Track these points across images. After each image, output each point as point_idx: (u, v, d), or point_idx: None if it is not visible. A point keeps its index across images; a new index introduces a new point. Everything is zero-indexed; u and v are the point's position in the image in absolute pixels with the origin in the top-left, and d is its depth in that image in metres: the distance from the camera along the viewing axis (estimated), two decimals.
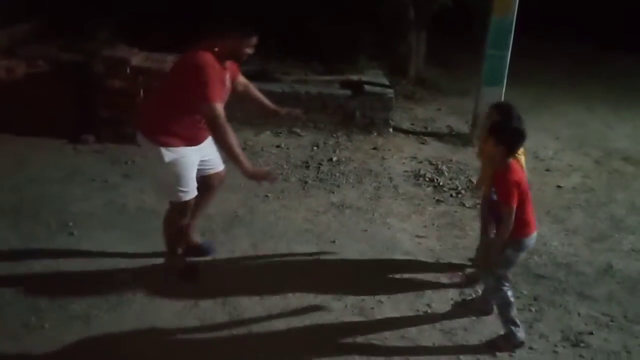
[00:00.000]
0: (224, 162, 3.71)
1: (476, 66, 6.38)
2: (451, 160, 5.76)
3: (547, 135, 6.69)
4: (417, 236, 4.40)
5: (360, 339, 3.25)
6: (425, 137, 6.40)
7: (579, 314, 3.59)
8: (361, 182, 5.26)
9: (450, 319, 3.47)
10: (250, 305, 3.48)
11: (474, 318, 3.49)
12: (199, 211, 3.83)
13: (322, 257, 4.06)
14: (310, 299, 3.58)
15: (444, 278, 3.86)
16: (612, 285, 3.91)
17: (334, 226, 4.46)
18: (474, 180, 5.35)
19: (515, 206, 3.07)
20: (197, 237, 3.98)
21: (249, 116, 6.21)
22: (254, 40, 3.36)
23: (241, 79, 3.73)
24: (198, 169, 3.54)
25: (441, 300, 3.64)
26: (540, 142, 6.44)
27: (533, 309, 3.61)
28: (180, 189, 3.42)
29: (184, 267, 3.73)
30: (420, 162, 5.73)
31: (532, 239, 3.25)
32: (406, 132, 6.52)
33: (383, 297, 3.63)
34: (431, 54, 8.74)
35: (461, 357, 3.17)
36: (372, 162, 5.67)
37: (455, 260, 4.10)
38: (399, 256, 4.11)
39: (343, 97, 6.33)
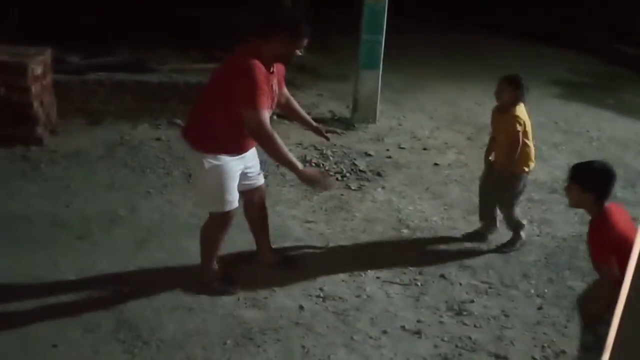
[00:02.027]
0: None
1: (354, 49, 6.51)
2: (335, 145, 5.85)
3: (423, 114, 6.99)
4: (307, 221, 4.44)
5: (255, 331, 3.23)
6: None
7: (460, 284, 3.79)
8: None
9: (342, 301, 3.54)
10: (139, 307, 3.34)
11: (364, 297, 3.58)
12: (262, 231, 3.73)
13: None
14: (201, 294, 3.50)
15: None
16: (488, 254, 4.17)
17: None
18: (358, 163, 5.50)
19: (614, 263, 2.58)
20: (278, 254, 3.87)
21: (124, 108, 5.95)
22: (305, 41, 3.17)
23: (285, 91, 3.52)
24: (241, 183, 3.36)
25: (332, 283, 3.70)
26: (417, 122, 6.73)
27: (419, 283, 3.77)
28: (222, 198, 3.25)
29: (221, 278, 3.56)
30: (306, 148, 5.77)
31: None
32: (290, 119, 6.52)
33: (276, 287, 3.62)
34: (310, 38, 8.81)
35: (354, 336, 3.25)
36: None
37: (343, 242, 4.18)
38: (290, 243, 4.12)
39: None
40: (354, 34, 6.44)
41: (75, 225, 4.10)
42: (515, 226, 4.16)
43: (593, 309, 2.70)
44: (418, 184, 5.19)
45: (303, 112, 3.67)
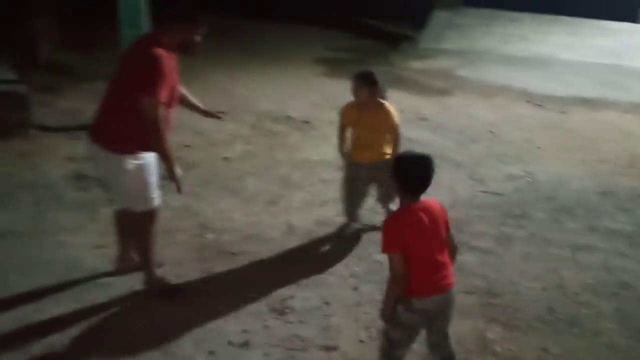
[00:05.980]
0: None
1: (115, 46, 5.97)
2: None
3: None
4: (98, 247, 3.96)
5: None
6: (78, 132, 5.77)
7: (279, 280, 3.72)
8: (13, 199, 4.49)
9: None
10: None
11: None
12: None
13: None
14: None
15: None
16: (297, 242, 4.17)
17: None
18: None
19: (398, 256, 2.51)
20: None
21: None
22: (205, 27, 3.17)
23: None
24: None
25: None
26: (196, 115, 6.41)
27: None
28: (149, 195, 3.26)
29: (164, 283, 3.52)
30: (79, 161, 5.14)
31: (427, 302, 2.59)
32: (54, 129, 5.78)
33: (77, 330, 3.16)
34: (63, 36, 7.93)
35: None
36: (22, 173, 4.87)
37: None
38: (87, 275, 3.63)
39: None
40: (112, 28, 5.90)
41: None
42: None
43: (384, 307, 2.66)
44: (212, 182, 4.99)
45: (191, 97, 3.65)
